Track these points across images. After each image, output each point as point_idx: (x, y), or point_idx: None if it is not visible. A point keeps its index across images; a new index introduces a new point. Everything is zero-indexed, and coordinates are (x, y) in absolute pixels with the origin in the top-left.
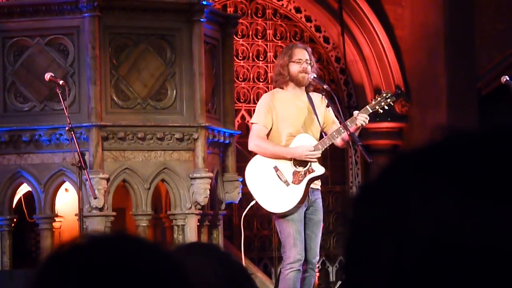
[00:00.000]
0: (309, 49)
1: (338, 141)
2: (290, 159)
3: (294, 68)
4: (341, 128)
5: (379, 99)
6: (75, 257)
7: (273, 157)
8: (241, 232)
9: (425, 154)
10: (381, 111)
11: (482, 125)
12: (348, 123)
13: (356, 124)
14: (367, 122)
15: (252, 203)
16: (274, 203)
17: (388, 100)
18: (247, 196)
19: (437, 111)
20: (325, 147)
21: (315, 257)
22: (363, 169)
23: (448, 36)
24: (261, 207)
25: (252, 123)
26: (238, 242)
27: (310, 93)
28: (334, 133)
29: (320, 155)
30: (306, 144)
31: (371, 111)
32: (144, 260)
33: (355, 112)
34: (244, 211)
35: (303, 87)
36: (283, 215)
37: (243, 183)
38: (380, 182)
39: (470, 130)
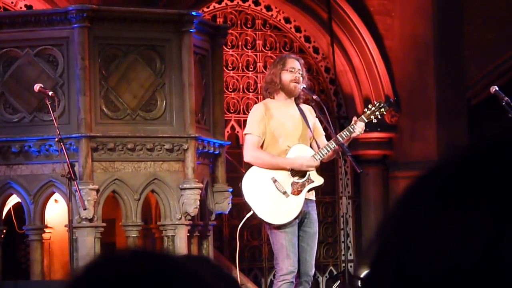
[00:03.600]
0: (302, 61)
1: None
2: (288, 170)
3: (286, 76)
4: (335, 139)
5: (372, 108)
6: (113, 270)
7: (271, 168)
8: (235, 243)
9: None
10: (375, 120)
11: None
12: (344, 131)
13: (354, 133)
14: (362, 132)
15: (249, 214)
16: (275, 214)
17: (382, 109)
18: (237, 206)
19: (426, 121)
20: (323, 157)
21: (311, 270)
22: (352, 179)
23: (437, 46)
24: (261, 219)
25: (245, 134)
26: (228, 253)
27: (300, 105)
28: (331, 144)
29: (318, 165)
30: (304, 154)
31: (366, 121)
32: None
33: (354, 118)
34: (235, 221)
35: (293, 98)
36: (277, 227)
37: (233, 193)
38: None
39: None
